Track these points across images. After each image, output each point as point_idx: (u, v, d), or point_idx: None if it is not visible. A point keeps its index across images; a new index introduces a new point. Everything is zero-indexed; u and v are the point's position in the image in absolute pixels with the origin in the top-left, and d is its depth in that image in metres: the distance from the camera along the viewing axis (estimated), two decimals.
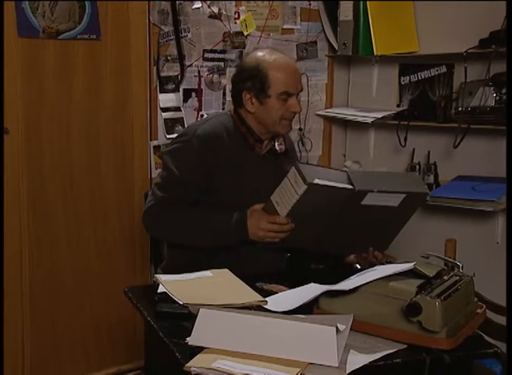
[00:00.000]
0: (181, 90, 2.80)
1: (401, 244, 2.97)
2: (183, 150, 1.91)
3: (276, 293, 1.65)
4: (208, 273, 1.74)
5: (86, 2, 2.49)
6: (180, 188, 1.88)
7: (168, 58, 2.76)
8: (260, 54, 1.94)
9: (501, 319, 2.09)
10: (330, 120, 3.23)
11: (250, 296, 1.59)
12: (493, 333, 1.90)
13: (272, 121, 1.92)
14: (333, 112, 3.16)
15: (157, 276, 1.70)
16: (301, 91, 1.97)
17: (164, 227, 1.91)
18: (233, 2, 2.87)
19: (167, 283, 1.65)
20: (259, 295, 1.59)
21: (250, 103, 1.92)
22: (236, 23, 2.89)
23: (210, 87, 2.88)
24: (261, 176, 1.92)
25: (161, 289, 1.63)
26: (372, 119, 2.91)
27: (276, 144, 1.99)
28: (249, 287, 1.65)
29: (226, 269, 1.75)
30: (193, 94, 2.84)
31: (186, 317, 1.45)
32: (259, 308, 1.52)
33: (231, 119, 1.97)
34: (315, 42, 3.11)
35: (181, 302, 1.52)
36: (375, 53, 2.91)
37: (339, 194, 1.65)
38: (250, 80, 1.89)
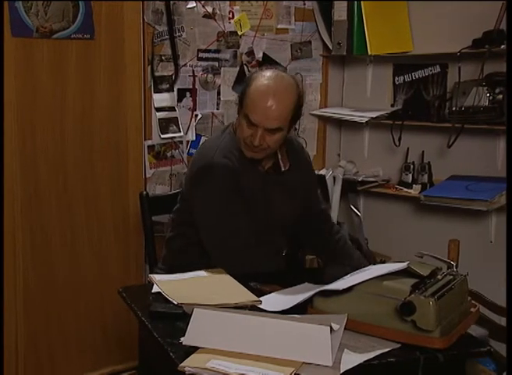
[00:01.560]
0: (175, 89, 2.80)
1: (395, 244, 2.99)
2: (215, 194, 1.83)
3: (270, 293, 1.65)
4: (202, 272, 1.74)
5: (79, 2, 2.48)
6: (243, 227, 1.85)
7: (163, 57, 2.75)
8: (260, 74, 1.83)
9: (496, 318, 2.10)
10: (324, 120, 3.24)
11: (245, 296, 1.59)
12: (491, 331, 1.91)
13: (239, 139, 1.85)
14: (328, 111, 3.16)
15: (151, 275, 1.70)
16: (276, 132, 1.78)
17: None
18: (227, 2, 2.87)
19: (161, 283, 1.65)
20: (253, 295, 1.59)
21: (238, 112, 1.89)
22: (230, 22, 2.89)
23: (204, 86, 2.88)
24: (269, 193, 1.90)
25: (155, 289, 1.63)
26: (367, 119, 2.92)
27: (279, 160, 1.93)
28: (243, 287, 1.65)
29: (221, 269, 1.76)
30: (188, 93, 2.84)
31: (180, 317, 1.46)
32: (253, 307, 1.52)
33: (234, 137, 1.89)
34: (310, 42, 3.12)
35: (175, 302, 1.52)
36: (369, 53, 2.92)
37: None
38: (241, 89, 1.87)
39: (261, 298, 1.58)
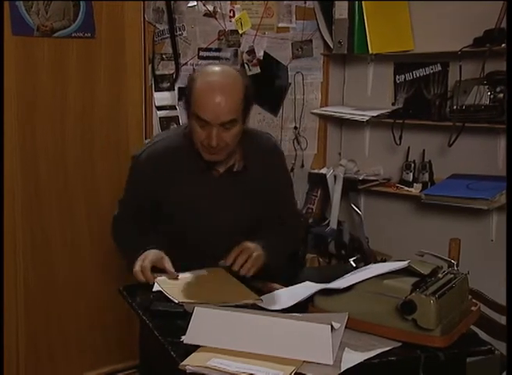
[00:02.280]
0: (176, 88, 2.80)
1: (395, 243, 2.99)
2: (130, 175, 1.89)
3: (271, 291, 1.65)
4: (203, 271, 1.74)
5: (80, 1, 2.48)
6: (128, 210, 1.90)
7: (164, 56, 2.75)
8: (200, 73, 1.76)
9: (497, 317, 2.10)
10: (325, 119, 3.24)
11: (246, 294, 1.59)
12: (492, 330, 1.91)
13: (196, 143, 1.75)
14: (328, 110, 3.16)
15: (153, 274, 1.69)
16: (230, 127, 1.70)
17: (114, 239, 1.96)
18: (228, 1, 2.87)
19: (162, 281, 1.65)
20: (254, 294, 1.59)
21: (186, 115, 1.81)
22: (231, 21, 2.89)
23: None
24: (218, 197, 1.82)
25: (156, 288, 1.63)
26: (367, 118, 2.92)
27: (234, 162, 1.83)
28: (244, 286, 1.65)
29: (221, 268, 1.75)
30: None
31: (180, 316, 1.45)
32: (254, 306, 1.52)
33: (183, 140, 1.83)
34: (310, 41, 3.11)
35: (176, 301, 1.52)
36: (370, 52, 2.92)
37: None
38: (185, 92, 1.78)
39: (261, 297, 1.58)
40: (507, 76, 2.39)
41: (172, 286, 1.63)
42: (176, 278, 1.68)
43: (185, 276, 1.70)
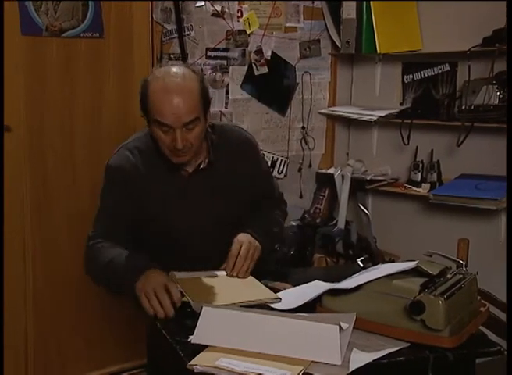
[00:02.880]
0: None
1: (403, 243, 2.98)
2: (104, 187, 1.84)
3: (280, 291, 1.65)
4: (221, 271, 1.74)
5: (89, 1, 2.49)
6: (108, 223, 1.79)
7: (171, 56, 2.75)
8: (152, 76, 1.71)
9: (506, 318, 2.09)
10: (333, 119, 3.23)
11: (264, 293, 1.59)
12: (500, 331, 1.90)
13: (162, 149, 1.73)
14: (336, 110, 3.15)
15: (172, 273, 1.68)
16: (193, 126, 1.68)
17: (92, 262, 1.80)
18: (236, 1, 2.87)
19: (182, 281, 1.64)
20: (272, 292, 1.60)
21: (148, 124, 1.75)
22: (239, 21, 2.89)
23: (213, 85, 2.87)
24: (188, 197, 1.79)
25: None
26: (375, 118, 2.91)
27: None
28: (261, 284, 1.66)
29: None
30: None
31: (189, 315, 1.44)
32: (262, 306, 1.52)
33: (149, 140, 1.79)
34: (318, 40, 3.11)
35: (191, 302, 1.51)
36: (378, 51, 2.91)
37: None
38: (140, 98, 1.74)
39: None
40: (507, 76, 2.39)
41: (191, 286, 1.62)
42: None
43: (203, 276, 1.70)
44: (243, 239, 1.74)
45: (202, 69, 2.83)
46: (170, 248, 1.79)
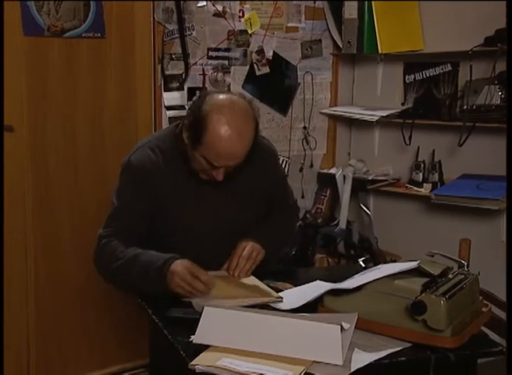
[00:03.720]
0: (185, 88, 2.80)
1: (405, 243, 2.98)
2: (122, 184, 1.81)
3: (282, 291, 1.65)
4: (222, 271, 1.74)
5: (91, 1, 2.49)
6: (124, 222, 1.77)
7: (173, 56, 2.75)
8: (215, 111, 1.63)
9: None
10: (335, 119, 3.23)
11: (266, 293, 1.60)
12: (502, 331, 1.90)
13: (193, 167, 1.74)
14: (338, 110, 3.15)
15: None
16: (237, 163, 1.69)
17: (105, 259, 1.77)
18: (238, 1, 2.87)
19: None
20: (274, 292, 1.60)
21: (185, 138, 1.73)
22: (240, 21, 2.89)
23: (214, 85, 2.87)
24: (204, 202, 1.79)
25: None
26: (377, 118, 2.91)
27: None
28: (263, 284, 1.66)
29: None
30: (198, 92, 2.83)
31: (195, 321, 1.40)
32: (264, 306, 1.52)
33: (172, 140, 1.79)
34: (320, 40, 3.11)
35: (193, 302, 1.50)
36: (380, 51, 2.91)
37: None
38: (193, 122, 1.68)
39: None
40: (508, 76, 2.39)
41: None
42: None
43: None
44: (248, 242, 1.76)
45: (204, 69, 2.83)
46: (183, 249, 1.77)
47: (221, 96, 1.68)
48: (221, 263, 1.76)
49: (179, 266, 1.58)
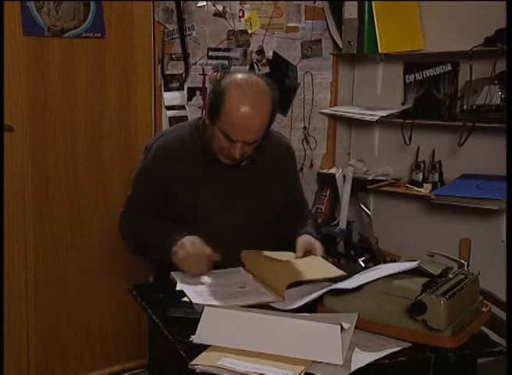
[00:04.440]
0: (185, 88, 2.80)
1: (405, 243, 2.98)
2: (141, 168, 1.89)
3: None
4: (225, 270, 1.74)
5: (90, 1, 2.49)
6: (141, 204, 1.86)
7: (173, 56, 2.76)
8: (233, 85, 1.69)
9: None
10: (335, 118, 3.23)
11: (332, 270, 1.64)
12: (502, 331, 1.90)
13: (213, 147, 1.78)
14: (338, 110, 3.15)
15: (172, 273, 1.69)
16: (255, 142, 1.74)
17: (125, 237, 1.90)
18: (238, 1, 2.87)
19: (183, 281, 1.64)
20: (339, 269, 1.63)
21: (206, 118, 1.79)
22: (240, 21, 2.89)
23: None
24: (225, 187, 1.83)
25: (179, 287, 1.62)
26: (377, 118, 2.91)
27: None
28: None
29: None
30: (198, 92, 2.84)
31: (197, 321, 1.40)
32: (263, 306, 1.52)
33: (194, 131, 1.85)
34: (320, 40, 3.11)
35: (194, 302, 1.51)
36: (380, 51, 2.91)
37: None
38: (212, 97, 1.74)
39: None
40: (507, 76, 2.39)
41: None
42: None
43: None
44: (311, 240, 1.79)
45: (204, 69, 2.83)
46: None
47: (240, 73, 1.75)
48: (233, 254, 1.77)
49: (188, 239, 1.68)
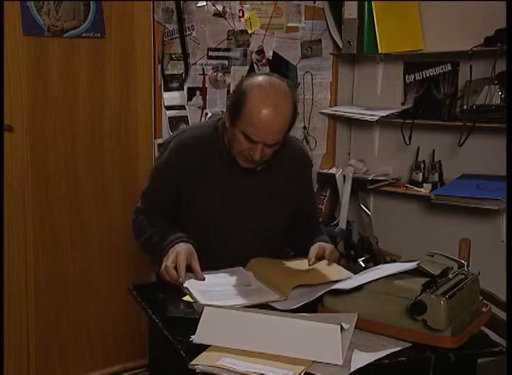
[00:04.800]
0: (185, 88, 2.80)
1: (405, 243, 2.98)
2: (157, 164, 1.90)
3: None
4: (224, 271, 1.74)
5: (90, 1, 2.49)
6: (152, 201, 1.86)
7: (173, 56, 2.76)
8: (256, 86, 1.69)
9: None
10: (334, 118, 3.23)
11: (342, 273, 1.65)
12: (502, 331, 1.90)
13: (233, 150, 1.77)
14: (338, 110, 3.15)
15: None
16: (276, 144, 1.73)
17: (133, 232, 1.91)
18: (238, 1, 2.87)
19: (190, 283, 1.63)
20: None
21: (226, 119, 1.77)
22: (240, 21, 2.89)
23: (214, 85, 2.88)
24: (240, 190, 1.82)
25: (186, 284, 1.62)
26: (377, 118, 2.91)
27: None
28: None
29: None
30: (198, 92, 2.84)
31: (197, 321, 1.39)
32: (263, 306, 1.52)
33: (213, 131, 1.84)
34: (320, 40, 3.11)
35: (201, 302, 1.51)
36: (380, 51, 2.91)
37: None
38: (233, 99, 1.74)
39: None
40: (507, 76, 2.39)
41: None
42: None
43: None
44: (327, 245, 1.77)
45: (204, 69, 2.83)
46: (208, 240, 1.81)
47: (262, 75, 1.75)
48: (245, 258, 1.77)
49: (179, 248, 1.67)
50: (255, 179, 1.83)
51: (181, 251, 1.66)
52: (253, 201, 1.83)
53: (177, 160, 1.81)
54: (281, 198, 1.86)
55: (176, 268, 1.62)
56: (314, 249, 1.75)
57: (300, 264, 1.75)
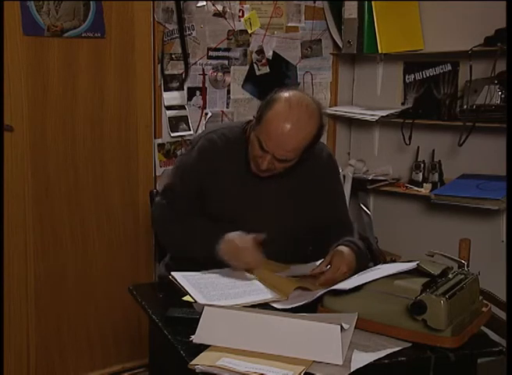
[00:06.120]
0: (185, 88, 2.80)
1: (405, 243, 2.98)
2: (183, 160, 1.89)
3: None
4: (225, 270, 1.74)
5: (90, 1, 2.49)
6: (177, 198, 1.85)
7: (173, 56, 2.75)
8: (284, 98, 1.68)
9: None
10: (334, 118, 3.23)
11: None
12: (502, 331, 1.90)
13: (249, 153, 1.77)
14: (338, 110, 3.15)
15: (173, 273, 1.68)
16: (286, 161, 1.70)
17: (160, 228, 1.91)
18: (238, 1, 2.87)
19: (183, 281, 1.63)
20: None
21: (253, 123, 1.77)
22: (240, 21, 2.89)
23: (214, 85, 2.88)
24: (260, 193, 1.81)
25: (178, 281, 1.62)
26: (377, 118, 2.91)
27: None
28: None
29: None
30: (198, 92, 2.84)
31: (196, 321, 1.40)
32: (264, 305, 1.52)
33: (241, 133, 1.84)
34: (320, 40, 3.11)
35: (201, 302, 1.51)
36: (380, 51, 2.91)
37: None
38: (261, 105, 1.74)
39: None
40: (507, 76, 2.39)
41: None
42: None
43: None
44: (348, 260, 1.68)
45: (204, 69, 2.83)
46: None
47: (296, 91, 1.74)
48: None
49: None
50: (280, 183, 1.81)
51: (248, 239, 1.69)
52: (276, 206, 1.82)
53: (205, 159, 1.82)
54: (305, 204, 1.85)
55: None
56: (326, 262, 1.70)
57: (305, 268, 1.74)
